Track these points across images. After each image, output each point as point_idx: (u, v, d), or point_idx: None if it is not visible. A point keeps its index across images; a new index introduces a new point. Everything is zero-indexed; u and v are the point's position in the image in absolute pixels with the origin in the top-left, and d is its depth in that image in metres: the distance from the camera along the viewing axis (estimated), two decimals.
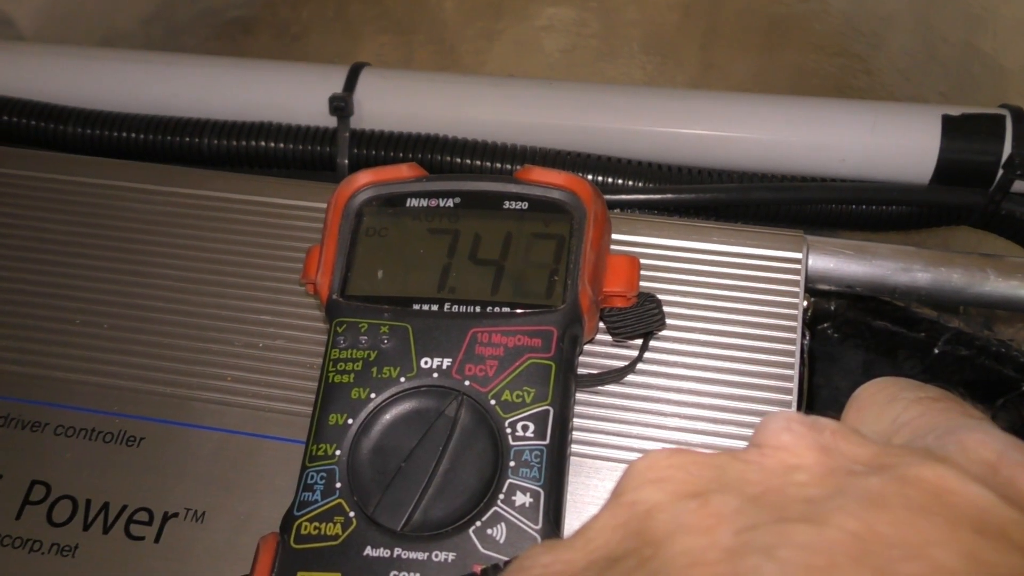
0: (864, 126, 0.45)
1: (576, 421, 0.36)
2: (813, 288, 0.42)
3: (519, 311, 0.33)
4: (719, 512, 0.17)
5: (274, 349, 0.38)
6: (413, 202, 0.36)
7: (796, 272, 0.38)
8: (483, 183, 0.36)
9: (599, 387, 0.36)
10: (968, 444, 0.19)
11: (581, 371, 0.36)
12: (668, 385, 0.36)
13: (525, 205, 0.36)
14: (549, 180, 0.36)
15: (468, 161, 0.48)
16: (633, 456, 0.35)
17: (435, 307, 0.34)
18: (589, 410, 0.36)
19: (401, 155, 0.49)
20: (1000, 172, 0.44)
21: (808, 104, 0.46)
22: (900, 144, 0.45)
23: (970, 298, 0.42)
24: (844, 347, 0.53)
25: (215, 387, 0.38)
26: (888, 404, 0.22)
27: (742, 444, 0.35)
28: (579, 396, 0.36)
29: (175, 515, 0.35)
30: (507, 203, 0.36)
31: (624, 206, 0.46)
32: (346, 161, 0.49)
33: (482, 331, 0.33)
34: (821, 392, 0.58)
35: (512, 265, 0.35)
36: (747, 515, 0.17)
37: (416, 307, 0.34)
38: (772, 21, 0.56)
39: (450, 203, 0.36)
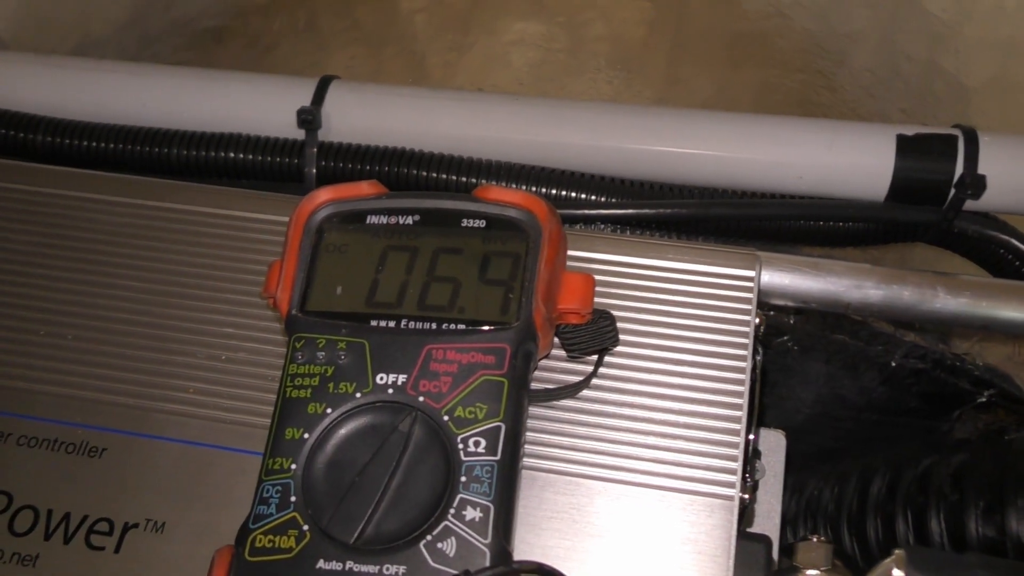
0: (821, 144, 0.46)
1: (531, 435, 0.36)
2: (768, 303, 0.43)
3: (474, 328, 0.34)
4: None
5: (236, 362, 0.39)
6: (373, 219, 0.37)
7: (748, 290, 0.39)
8: (442, 201, 0.37)
9: (554, 402, 0.37)
10: None
11: (536, 386, 0.37)
12: (621, 400, 0.37)
13: (483, 223, 0.37)
14: (506, 199, 0.36)
15: (435, 175, 0.49)
16: (587, 470, 0.36)
17: (392, 324, 0.35)
18: (544, 424, 0.37)
19: (369, 168, 0.49)
20: (952, 191, 0.45)
21: (767, 122, 0.47)
22: (856, 162, 0.46)
23: (921, 315, 0.43)
24: (805, 359, 0.54)
25: (177, 399, 0.38)
26: None
27: (692, 459, 0.36)
28: (534, 411, 0.37)
29: (135, 526, 0.36)
30: (465, 221, 0.37)
31: (586, 221, 0.47)
32: (314, 172, 0.50)
33: (437, 348, 0.34)
34: (785, 404, 0.60)
35: (469, 282, 0.35)
36: None
37: (374, 323, 0.35)
38: (737, 37, 0.57)
39: (409, 220, 0.37)
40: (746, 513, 0.40)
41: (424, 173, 0.49)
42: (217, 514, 0.36)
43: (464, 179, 0.48)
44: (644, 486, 0.36)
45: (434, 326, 0.34)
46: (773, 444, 0.47)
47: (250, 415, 0.38)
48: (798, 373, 0.55)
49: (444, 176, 0.48)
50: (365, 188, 0.38)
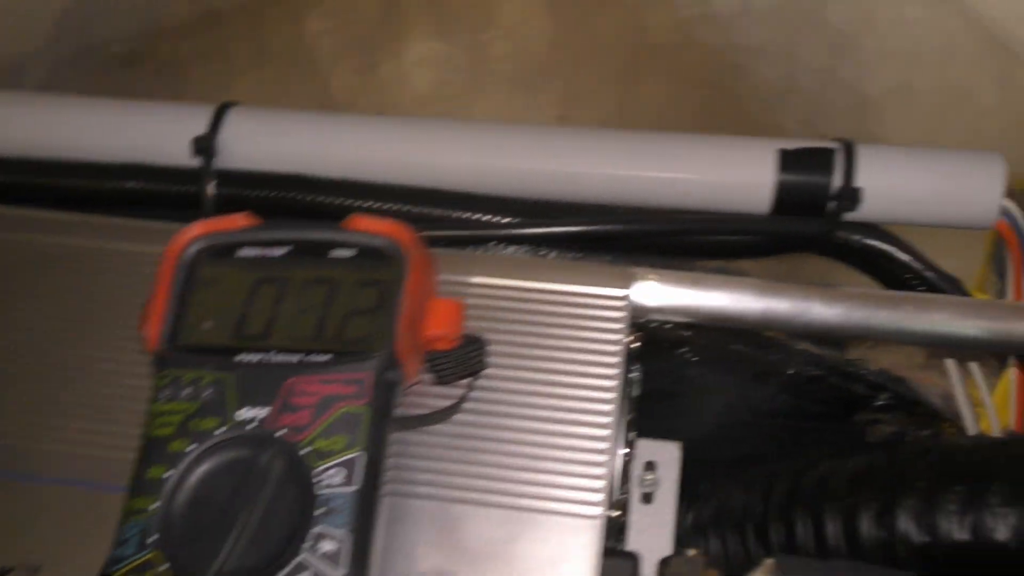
0: (706, 161, 0.47)
1: (402, 462, 0.37)
2: (649, 319, 0.44)
3: (337, 359, 0.35)
4: None
5: (117, 398, 0.39)
6: (244, 252, 0.38)
7: (620, 308, 0.40)
8: (312, 232, 0.38)
9: (426, 427, 0.38)
10: None
11: (412, 411, 0.38)
12: (493, 423, 0.38)
13: (351, 253, 0.37)
14: (373, 228, 0.37)
15: (329, 199, 0.49)
16: (458, 494, 0.37)
17: (258, 357, 0.35)
18: (416, 450, 0.37)
19: (266, 194, 0.50)
20: (832, 203, 0.46)
21: (654, 139, 0.48)
22: (739, 177, 0.47)
23: (798, 326, 0.44)
24: (707, 370, 0.55)
25: (57, 438, 0.39)
26: None
27: (561, 479, 0.37)
28: (405, 437, 0.38)
29: (10, 570, 0.36)
30: (334, 251, 0.37)
31: (477, 241, 0.48)
32: (212, 200, 0.50)
33: (299, 380, 0.34)
34: (693, 413, 0.60)
35: (335, 313, 0.36)
36: None
37: (239, 358, 0.35)
38: (639, 53, 0.58)
39: (280, 252, 0.37)
40: (623, 529, 0.41)
41: (320, 198, 0.49)
42: (96, 555, 0.36)
43: (356, 202, 0.49)
44: (514, 508, 0.37)
45: (299, 358, 0.35)
46: (667, 457, 0.48)
47: (131, 452, 0.38)
48: (702, 383, 0.56)
49: (337, 200, 0.49)
50: (239, 220, 0.38)
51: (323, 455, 0.33)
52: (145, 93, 0.58)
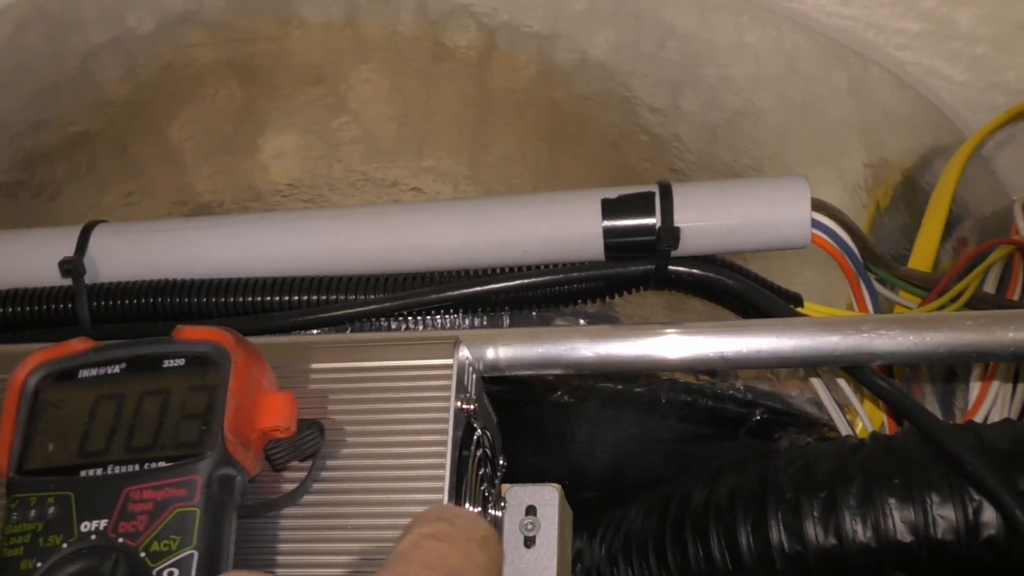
0: (536, 217, 0.50)
1: (255, 546, 0.40)
2: (491, 376, 0.47)
3: (171, 464, 0.37)
4: None
5: None
6: (84, 373, 0.40)
7: (446, 377, 0.42)
8: (144, 347, 0.40)
9: (273, 512, 0.40)
10: None
11: (268, 496, 0.40)
12: (339, 500, 0.41)
13: (182, 362, 0.40)
14: (197, 336, 0.40)
15: (197, 300, 0.52)
16: (306, 572, 0.39)
17: (99, 471, 0.38)
18: (267, 533, 0.40)
19: (139, 301, 0.53)
20: (658, 242, 0.49)
21: (484, 204, 0.51)
22: (569, 230, 0.50)
23: (638, 366, 0.47)
24: (585, 407, 0.57)
25: None
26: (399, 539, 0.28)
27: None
28: (259, 523, 0.40)
29: None
30: (166, 362, 0.40)
31: (338, 322, 0.51)
32: (87, 315, 0.53)
33: (135, 488, 0.37)
34: (584, 449, 0.63)
35: (169, 420, 0.39)
36: None
37: (82, 474, 0.38)
38: (483, 116, 0.61)
39: (116, 369, 0.40)
40: None
41: (196, 299, 0.52)
42: None
43: (223, 299, 0.52)
44: None
45: (136, 468, 0.38)
46: (547, 500, 0.50)
47: None
48: (585, 421, 0.59)
49: (204, 300, 0.52)
50: (76, 345, 0.41)
51: (158, 556, 0.35)
52: (25, 220, 0.61)
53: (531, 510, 0.50)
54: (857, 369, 0.47)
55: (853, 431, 0.57)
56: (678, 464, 0.63)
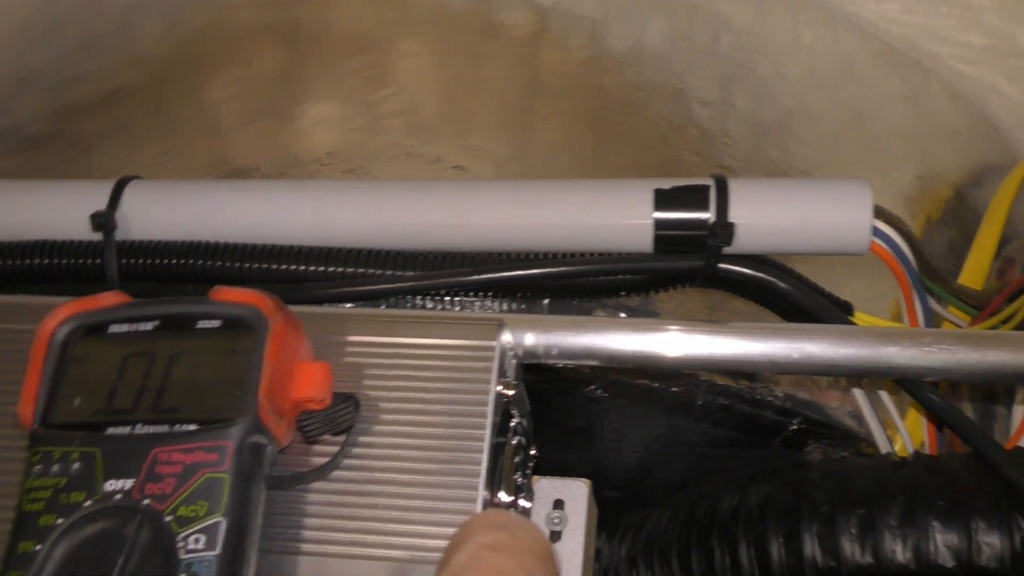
0: (585, 204, 0.49)
1: (281, 519, 0.38)
2: (530, 363, 0.45)
3: (202, 427, 0.36)
4: None
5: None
6: (114, 328, 0.39)
7: (488, 359, 0.41)
8: (179, 305, 0.39)
9: (303, 485, 0.39)
10: None
11: (297, 469, 0.39)
12: (370, 477, 0.39)
13: (218, 323, 0.38)
14: (236, 298, 0.38)
15: (238, 264, 0.50)
16: (335, 549, 0.38)
17: (126, 430, 0.36)
18: (295, 507, 0.39)
19: (168, 262, 0.51)
20: (710, 238, 0.47)
21: (533, 186, 0.50)
22: (619, 219, 0.48)
23: (685, 364, 0.45)
24: (618, 403, 0.56)
25: None
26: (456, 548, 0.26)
27: (434, 529, 0.38)
28: (286, 495, 0.39)
29: None
30: (201, 323, 0.38)
31: (373, 297, 0.49)
32: (115, 271, 0.51)
33: (163, 450, 0.35)
34: (613, 446, 0.61)
35: (201, 382, 0.37)
36: None
37: (108, 431, 0.36)
38: (531, 98, 0.59)
39: (149, 327, 0.39)
40: None
41: (221, 263, 0.51)
42: None
43: (254, 265, 0.50)
44: (389, 560, 0.37)
45: (166, 428, 0.36)
46: (575, 494, 0.48)
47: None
48: (615, 417, 0.57)
49: (236, 264, 0.50)
50: (108, 299, 0.39)
51: (185, 522, 0.34)
52: (54, 173, 0.60)
53: (559, 504, 0.48)
54: (911, 383, 0.45)
55: (892, 448, 0.55)
56: (706, 469, 0.61)
